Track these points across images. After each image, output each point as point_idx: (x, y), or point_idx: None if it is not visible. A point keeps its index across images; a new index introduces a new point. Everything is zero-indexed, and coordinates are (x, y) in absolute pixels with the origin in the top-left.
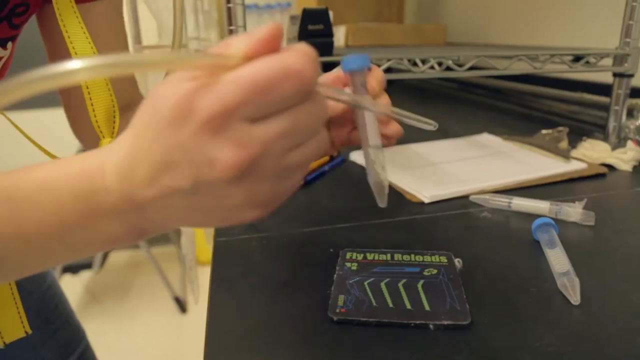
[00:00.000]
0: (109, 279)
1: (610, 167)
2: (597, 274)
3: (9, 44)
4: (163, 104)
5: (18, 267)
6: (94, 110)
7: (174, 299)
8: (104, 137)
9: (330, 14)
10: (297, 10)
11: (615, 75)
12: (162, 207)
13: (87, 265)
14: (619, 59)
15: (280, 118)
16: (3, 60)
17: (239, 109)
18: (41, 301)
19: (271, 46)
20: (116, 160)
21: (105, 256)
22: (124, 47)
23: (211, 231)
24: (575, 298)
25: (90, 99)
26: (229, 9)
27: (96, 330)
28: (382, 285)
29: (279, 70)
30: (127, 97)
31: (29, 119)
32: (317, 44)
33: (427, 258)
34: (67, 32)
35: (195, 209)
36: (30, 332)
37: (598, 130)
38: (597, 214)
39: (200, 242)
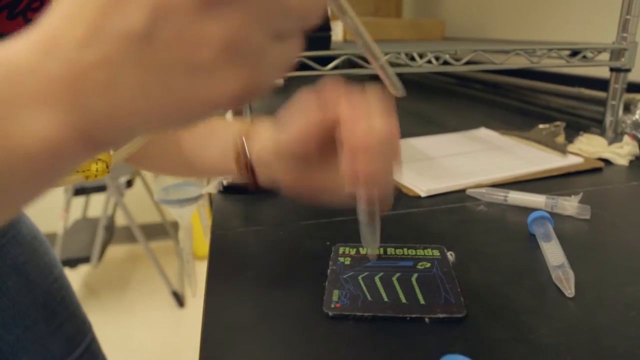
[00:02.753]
0: (107, 273)
1: (607, 161)
2: (592, 266)
3: None
4: None
5: None
6: None
7: (171, 293)
8: None
9: (328, 8)
10: None
11: (612, 69)
12: (106, 77)
13: (85, 260)
14: (616, 53)
15: None
16: None
17: None
18: (48, 294)
19: None
20: (37, 32)
21: (103, 250)
22: None
23: (209, 225)
24: (569, 290)
25: None
26: None
27: (94, 324)
28: (377, 279)
29: None
30: None
31: None
32: (314, 38)
33: (420, 252)
34: None
35: (151, 72)
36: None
37: (595, 124)
38: (593, 208)
39: (197, 236)
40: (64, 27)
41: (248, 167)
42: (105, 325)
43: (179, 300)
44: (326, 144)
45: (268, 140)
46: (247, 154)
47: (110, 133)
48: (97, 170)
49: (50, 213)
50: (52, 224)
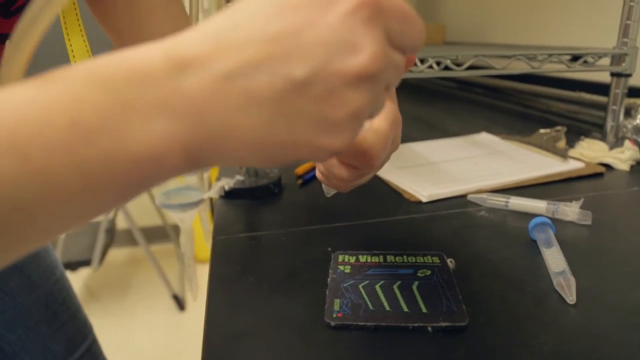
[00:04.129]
0: (108, 277)
1: (608, 166)
2: (593, 273)
3: None
4: None
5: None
6: None
7: (172, 296)
8: None
9: None
10: None
11: (613, 74)
12: (241, 105)
13: (86, 262)
14: (617, 58)
15: (399, 55)
16: None
17: (390, 17)
18: (49, 294)
19: None
20: (174, 48)
21: (104, 253)
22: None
23: (210, 230)
24: (571, 297)
25: None
26: None
27: (95, 327)
28: (377, 287)
29: (417, 16)
30: None
31: None
32: None
33: (420, 259)
34: (66, 28)
35: (287, 114)
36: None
37: (596, 129)
38: (594, 214)
39: (199, 240)
40: (215, 53)
41: None
42: (106, 328)
43: (180, 303)
44: None
45: None
46: None
47: (216, 157)
48: None
49: None
50: None
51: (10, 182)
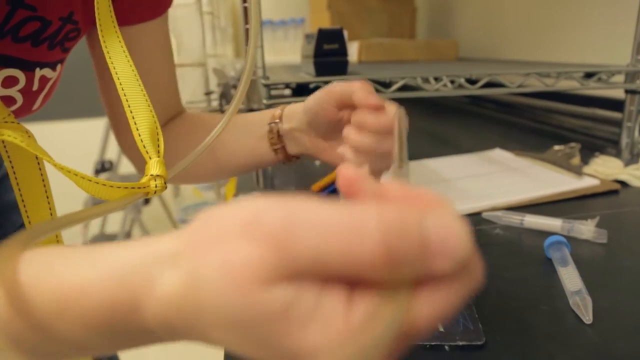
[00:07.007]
0: None
1: (623, 183)
2: (609, 292)
3: (59, 66)
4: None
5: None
6: (138, 132)
7: None
8: (150, 158)
9: (345, 33)
10: (310, 26)
11: (627, 92)
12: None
13: None
14: (631, 75)
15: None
16: (52, 80)
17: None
18: None
19: None
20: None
21: None
22: (171, 65)
23: None
24: (587, 317)
25: (134, 119)
26: (247, 30)
27: None
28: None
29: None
30: (169, 111)
31: (42, 131)
32: (332, 63)
33: None
34: (108, 52)
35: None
36: None
37: (610, 146)
38: (609, 232)
39: None
40: (187, 307)
41: (279, 135)
42: None
43: None
44: (338, 120)
45: (298, 107)
46: (279, 129)
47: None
48: (156, 187)
49: (70, 229)
50: (72, 239)
51: None
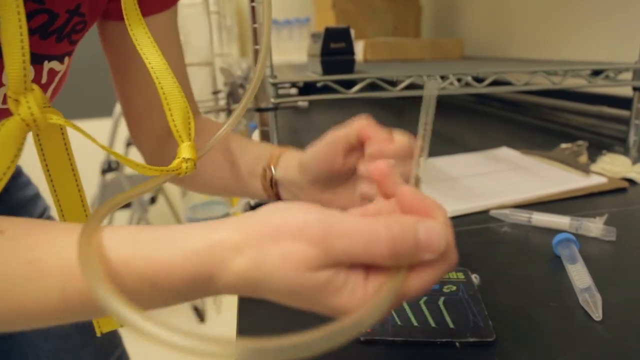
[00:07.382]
0: None
1: (631, 181)
2: (618, 289)
3: (66, 59)
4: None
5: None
6: (172, 116)
7: (192, 308)
8: (182, 141)
9: (352, 32)
10: (315, 26)
11: (635, 89)
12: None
13: None
14: (639, 73)
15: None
16: (60, 73)
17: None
18: None
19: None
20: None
21: None
22: (181, 59)
23: None
24: (597, 314)
25: (168, 106)
26: (254, 29)
27: None
28: (404, 303)
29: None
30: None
31: None
32: (339, 62)
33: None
34: (139, 44)
35: (300, 305)
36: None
37: (618, 143)
38: (618, 229)
39: None
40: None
41: (273, 183)
42: (125, 339)
43: (200, 315)
44: (345, 169)
45: (294, 161)
46: (273, 171)
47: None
48: (187, 168)
49: None
50: None
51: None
